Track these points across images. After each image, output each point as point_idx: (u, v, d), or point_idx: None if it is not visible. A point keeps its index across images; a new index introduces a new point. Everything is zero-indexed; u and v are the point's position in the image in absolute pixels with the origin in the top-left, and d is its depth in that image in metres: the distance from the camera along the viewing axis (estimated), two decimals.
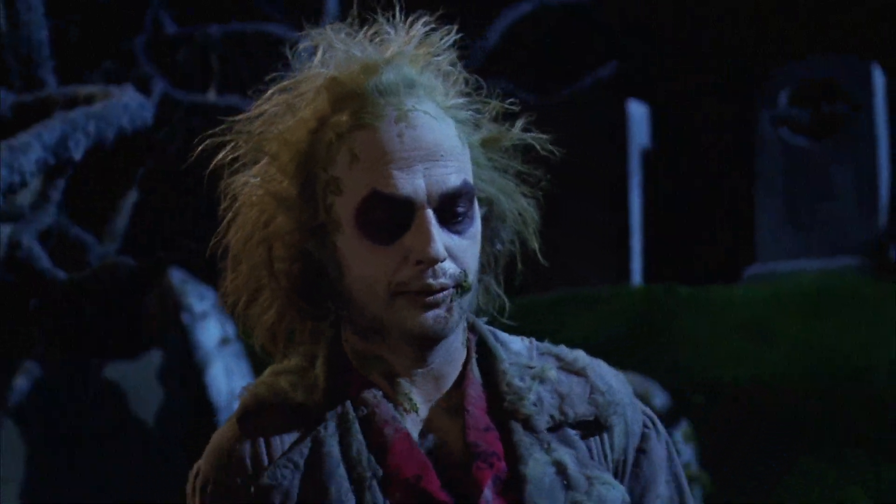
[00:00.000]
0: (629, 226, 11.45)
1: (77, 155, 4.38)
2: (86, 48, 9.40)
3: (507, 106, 2.01)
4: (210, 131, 1.96)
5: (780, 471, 7.52)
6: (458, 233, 1.87)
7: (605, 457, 1.94)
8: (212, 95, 9.55)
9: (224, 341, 6.89)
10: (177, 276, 6.95)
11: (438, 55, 1.94)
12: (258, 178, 1.94)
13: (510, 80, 12.55)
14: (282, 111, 1.93)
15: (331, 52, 1.92)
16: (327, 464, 1.84)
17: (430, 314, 1.85)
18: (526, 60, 13.44)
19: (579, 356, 2.03)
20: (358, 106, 1.88)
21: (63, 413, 6.96)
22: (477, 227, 1.91)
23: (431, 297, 1.84)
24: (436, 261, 1.83)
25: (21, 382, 6.69)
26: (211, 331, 6.92)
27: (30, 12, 5.20)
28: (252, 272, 1.96)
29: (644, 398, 7.13)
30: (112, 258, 5.52)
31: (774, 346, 8.42)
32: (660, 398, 7.33)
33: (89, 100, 4.75)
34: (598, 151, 11.53)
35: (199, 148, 1.96)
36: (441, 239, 1.84)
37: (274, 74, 1.98)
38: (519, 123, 2.02)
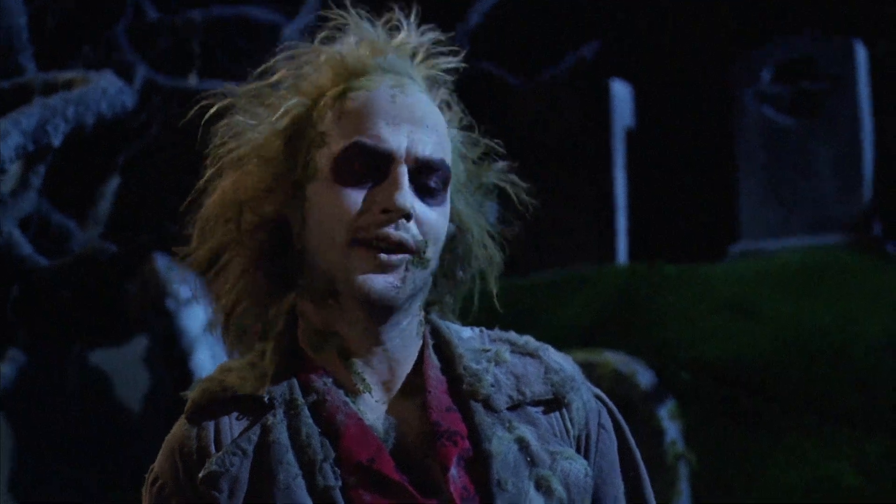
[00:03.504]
0: (614, 205, 11.46)
1: (56, 140, 4.36)
2: (66, 34, 9.36)
3: (494, 145, 2.06)
4: (210, 92, 2.00)
5: (765, 448, 7.53)
6: (428, 205, 1.90)
7: (567, 432, 1.96)
8: (193, 80, 9.52)
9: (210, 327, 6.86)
10: (162, 261, 6.93)
11: (441, 79, 2.01)
12: (248, 139, 1.97)
13: (493, 61, 12.56)
14: (284, 83, 1.98)
15: (342, 32, 1.98)
16: (275, 451, 1.84)
17: (382, 278, 1.85)
18: (508, 41, 13.42)
19: (529, 339, 2.06)
20: (358, 76, 1.94)
21: (48, 401, 6.94)
22: (446, 210, 1.94)
23: (387, 257, 1.85)
24: (401, 211, 1.85)
25: (5, 370, 6.68)
26: (197, 317, 6.90)
27: None
28: (221, 237, 1.98)
29: (630, 378, 7.16)
30: (94, 244, 5.49)
31: (760, 323, 8.43)
32: (645, 377, 7.33)
33: (68, 85, 4.73)
34: (581, 132, 11.53)
35: (196, 107, 1.99)
36: (411, 196, 1.87)
37: (284, 46, 2.03)
38: (500, 164, 2.07)
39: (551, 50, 13.09)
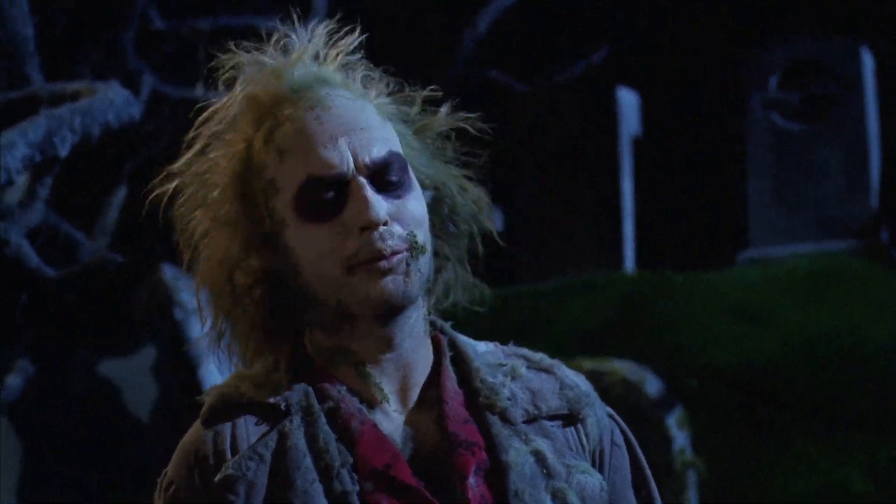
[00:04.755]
0: (621, 212, 11.45)
1: (63, 151, 4.36)
2: (72, 43, 9.37)
3: (431, 92, 2.03)
4: (155, 181, 1.98)
5: (775, 455, 7.52)
6: (398, 197, 1.89)
7: (583, 447, 1.96)
8: (199, 90, 9.52)
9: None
10: (169, 271, 6.93)
11: (352, 62, 1.98)
12: (204, 213, 1.96)
13: (500, 68, 12.56)
14: (213, 143, 1.96)
15: (244, 69, 1.95)
16: (293, 456, 1.84)
17: (389, 279, 1.85)
18: (516, 48, 13.42)
19: (544, 356, 2.06)
20: (277, 109, 1.92)
21: (56, 409, 6.94)
22: (417, 192, 1.93)
23: (386, 263, 1.85)
24: (377, 223, 1.85)
25: (14, 381, 6.68)
26: (203, 327, 6.88)
27: (14, 8, 5.18)
28: (219, 303, 1.98)
29: (638, 386, 7.15)
30: (100, 255, 5.49)
31: (768, 330, 8.42)
32: (654, 385, 7.33)
33: (75, 96, 4.72)
34: (588, 139, 11.53)
35: (149, 199, 1.98)
36: (379, 204, 1.86)
37: (198, 109, 2.00)
38: (444, 108, 2.03)
39: (558, 57, 13.09)
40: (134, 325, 6.79)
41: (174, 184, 1.97)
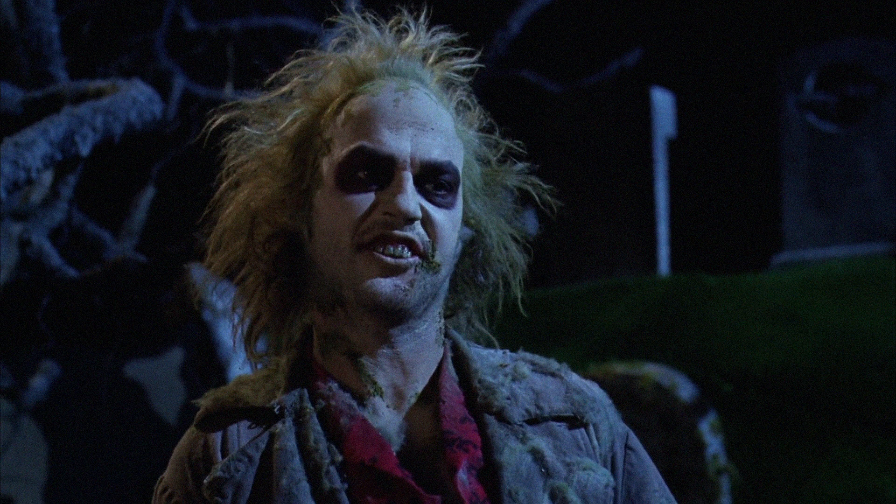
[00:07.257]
0: (656, 215, 11.39)
1: (84, 150, 4.33)
2: (103, 42, 9.38)
3: (514, 146, 2.03)
4: (223, 105, 2.00)
5: (810, 460, 7.44)
6: (437, 206, 1.88)
7: (594, 449, 1.93)
8: (228, 90, 9.52)
9: None
10: (197, 272, 6.91)
11: (456, 81, 1.99)
12: (260, 151, 1.97)
13: (533, 69, 12.51)
14: (295, 92, 1.98)
15: (353, 38, 1.98)
16: (280, 457, 1.83)
17: (389, 281, 1.84)
18: (549, 49, 13.38)
19: (552, 361, 2.04)
20: (364, 81, 1.93)
21: (83, 413, 6.93)
22: (456, 214, 1.91)
23: (393, 261, 1.84)
24: (404, 215, 1.83)
25: (39, 383, 6.67)
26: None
27: (39, 6, 5.16)
28: (235, 251, 1.98)
29: (671, 390, 7.07)
30: (122, 255, 5.47)
31: (804, 334, 8.34)
32: (687, 389, 7.25)
33: (98, 94, 4.70)
34: (622, 140, 11.46)
35: (210, 121, 2.00)
36: (416, 200, 1.85)
37: (295, 54, 2.03)
38: (520, 166, 2.04)
39: (592, 58, 13.05)
40: (161, 327, 6.78)
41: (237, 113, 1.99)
